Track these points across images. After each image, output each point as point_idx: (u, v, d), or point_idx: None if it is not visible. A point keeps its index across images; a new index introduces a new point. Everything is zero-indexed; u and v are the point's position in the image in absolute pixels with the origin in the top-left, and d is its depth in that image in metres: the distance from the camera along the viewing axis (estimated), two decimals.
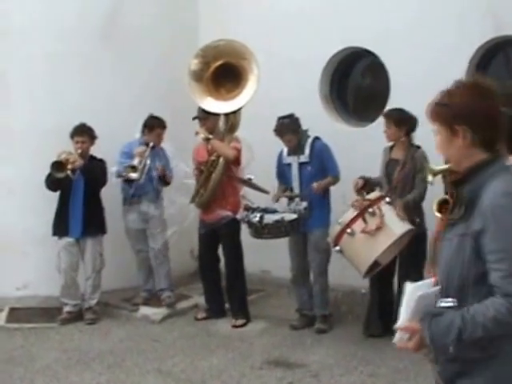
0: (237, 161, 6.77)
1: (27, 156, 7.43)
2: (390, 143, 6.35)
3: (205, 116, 6.83)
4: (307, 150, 6.57)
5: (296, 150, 6.60)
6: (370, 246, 5.62)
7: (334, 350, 6.11)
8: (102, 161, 7.15)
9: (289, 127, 6.55)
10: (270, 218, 6.27)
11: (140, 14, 7.95)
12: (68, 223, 6.99)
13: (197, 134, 6.87)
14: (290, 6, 7.83)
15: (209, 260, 7.13)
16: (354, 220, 5.71)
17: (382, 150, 6.42)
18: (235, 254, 6.98)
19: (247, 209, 6.46)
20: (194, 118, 6.99)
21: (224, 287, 7.14)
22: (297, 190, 6.57)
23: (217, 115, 6.76)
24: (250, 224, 6.36)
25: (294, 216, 6.25)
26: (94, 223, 7.07)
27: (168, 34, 8.16)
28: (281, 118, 6.61)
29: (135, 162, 6.99)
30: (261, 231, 6.33)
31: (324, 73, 7.83)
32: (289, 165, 6.69)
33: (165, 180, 7.27)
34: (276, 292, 7.73)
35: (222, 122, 6.81)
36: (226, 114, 6.69)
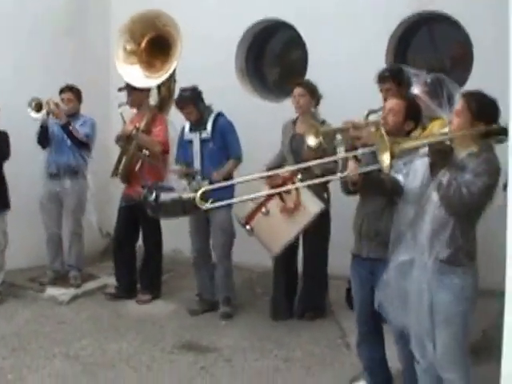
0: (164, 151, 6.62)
1: None
2: (292, 118, 6.18)
3: (131, 88, 6.60)
4: (209, 127, 6.35)
5: (198, 125, 6.38)
6: (286, 225, 5.51)
7: (248, 332, 5.99)
8: (4, 133, 6.75)
9: (188, 99, 6.32)
10: (166, 196, 6.02)
11: None
12: None
13: (119, 106, 6.65)
14: None
15: (126, 235, 6.88)
16: (268, 199, 5.56)
17: (282, 126, 6.26)
18: (153, 231, 6.81)
19: (143, 186, 6.22)
20: (120, 90, 6.70)
21: (138, 266, 6.95)
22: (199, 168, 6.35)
23: (144, 89, 6.59)
24: (147, 203, 6.10)
25: (193, 194, 5.58)
26: None
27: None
28: (182, 90, 6.39)
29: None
30: (157, 210, 6.09)
31: (240, 45, 7.71)
32: (190, 141, 6.45)
33: (72, 134, 6.91)
34: (188, 272, 7.56)
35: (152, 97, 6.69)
36: (158, 87, 6.52)
